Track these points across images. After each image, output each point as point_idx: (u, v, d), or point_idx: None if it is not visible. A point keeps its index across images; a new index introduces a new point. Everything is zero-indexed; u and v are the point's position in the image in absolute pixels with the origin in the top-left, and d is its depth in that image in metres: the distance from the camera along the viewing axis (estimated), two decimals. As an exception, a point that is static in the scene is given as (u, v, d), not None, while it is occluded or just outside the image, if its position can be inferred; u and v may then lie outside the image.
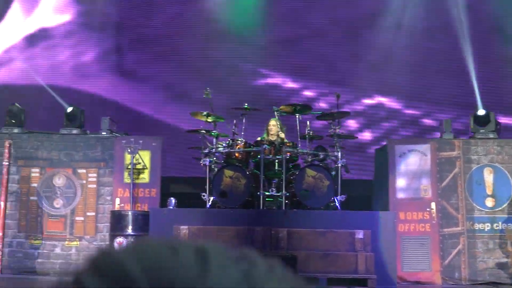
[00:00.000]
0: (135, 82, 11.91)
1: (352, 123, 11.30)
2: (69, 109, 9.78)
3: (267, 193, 8.52)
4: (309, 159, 8.83)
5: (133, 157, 9.10)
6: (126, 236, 8.29)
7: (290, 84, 11.84)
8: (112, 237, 8.40)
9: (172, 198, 8.72)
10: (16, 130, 9.67)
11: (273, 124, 9.08)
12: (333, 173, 8.64)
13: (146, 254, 0.66)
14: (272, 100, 10.98)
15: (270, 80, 11.83)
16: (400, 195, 9.08)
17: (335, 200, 8.51)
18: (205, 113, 8.92)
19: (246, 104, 9.09)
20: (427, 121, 11.38)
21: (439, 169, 9.10)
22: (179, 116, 11.44)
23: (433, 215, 8.97)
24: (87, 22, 12.08)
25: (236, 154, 8.78)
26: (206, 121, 8.93)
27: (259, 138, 9.07)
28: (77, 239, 9.28)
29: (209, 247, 0.67)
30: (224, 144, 8.83)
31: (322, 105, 11.02)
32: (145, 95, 11.81)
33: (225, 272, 0.65)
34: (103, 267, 0.65)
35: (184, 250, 0.66)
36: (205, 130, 8.85)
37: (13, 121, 9.74)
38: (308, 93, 11.77)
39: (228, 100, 10.23)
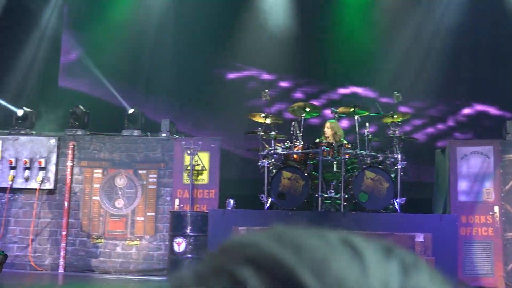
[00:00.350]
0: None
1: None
2: (131, 111, 9.97)
3: (325, 195, 8.49)
4: (368, 161, 8.76)
5: (193, 158, 9.21)
6: (185, 236, 8.35)
7: (266, 76, 11.85)
8: (172, 237, 8.48)
9: (230, 199, 8.78)
10: (79, 132, 9.93)
11: (328, 127, 9.10)
12: (393, 175, 8.54)
13: (305, 249, 0.58)
14: (248, 92, 11.08)
15: (246, 73, 11.83)
16: (462, 198, 8.93)
17: (395, 202, 8.42)
18: (263, 114, 8.95)
19: (305, 106, 9.08)
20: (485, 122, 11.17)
21: (503, 171, 8.91)
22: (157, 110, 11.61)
23: (496, 219, 8.79)
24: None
25: (295, 156, 8.77)
26: (265, 122, 8.95)
27: (317, 140, 9.04)
28: (138, 239, 9.44)
29: (355, 240, 0.60)
30: (282, 146, 8.83)
31: (299, 95, 10.89)
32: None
33: (385, 274, 0.58)
34: (262, 264, 0.57)
35: (339, 245, 0.59)
36: (263, 132, 8.88)
37: (77, 123, 9.99)
38: (284, 84, 11.76)
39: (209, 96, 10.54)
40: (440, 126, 10.70)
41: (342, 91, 11.47)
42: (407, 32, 11.39)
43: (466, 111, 11.05)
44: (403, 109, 10.91)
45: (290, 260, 0.57)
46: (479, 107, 10.92)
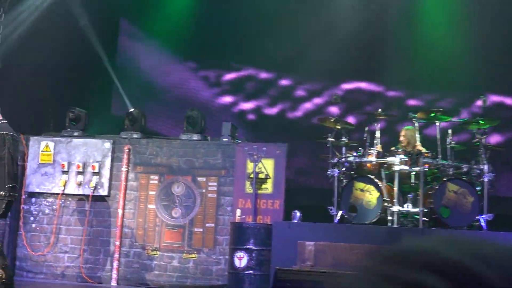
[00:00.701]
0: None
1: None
2: (190, 113, 9.76)
3: (401, 209, 8.15)
4: (451, 172, 8.33)
5: (256, 165, 8.97)
6: (247, 250, 8.10)
7: (264, 75, 11.82)
8: (232, 251, 8.25)
9: (297, 211, 8.52)
10: (135, 135, 9.79)
11: (403, 135, 8.85)
12: (478, 188, 8.08)
13: (492, 258, 0.60)
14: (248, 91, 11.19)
15: (242, 73, 11.75)
16: (558, 215, 8.35)
17: (480, 219, 7.98)
18: (333, 119, 8.65)
19: (380, 110, 8.75)
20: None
21: None
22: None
23: None
24: None
25: (368, 165, 8.47)
26: (335, 127, 8.68)
27: (393, 148, 8.67)
28: (195, 252, 9.23)
29: None
30: (354, 154, 8.54)
31: (301, 93, 10.86)
32: None
33: None
34: (449, 273, 0.59)
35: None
36: (333, 138, 8.63)
37: (133, 125, 9.87)
38: (284, 82, 11.71)
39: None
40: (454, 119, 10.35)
41: (346, 86, 11.39)
42: (410, 22, 11.18)
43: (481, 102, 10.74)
44: (412, 102, 10.88)
45: (481, 269, 0.58)
46: (495, 98, 10.58)
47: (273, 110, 11.62)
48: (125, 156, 9.59)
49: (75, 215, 9.61)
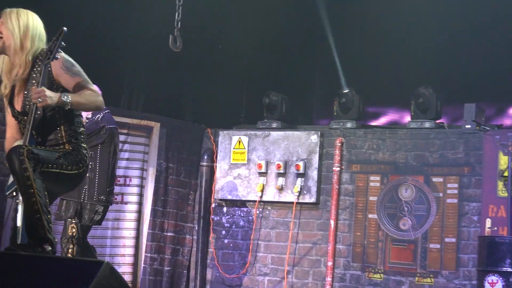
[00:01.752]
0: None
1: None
2: (422, 90, 9.47)
3: None
4: None
5: (511, 160, 8.71)
6: (501, 273, 7.97)
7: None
8: (482, 274, 8.11)
9: None
10: (349, 124, 9.81)
11: None
12: None
13: None
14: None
15: (384, 119, 11.18)
16: None
17: None
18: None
19: None
20: None
21: None
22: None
23: None
24: None
25: None
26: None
27: None
28: (431, 275, 9.14)
29: None
30: None
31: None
32: None
33: None
34: None
35: None
36: None
37: (346, 112, 9.88)
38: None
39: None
40: None
41: None
42: None
43: None
44: None
45: None
46: None
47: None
48: (337, 152, 9.64)
49: (276, 227, 9.84)
